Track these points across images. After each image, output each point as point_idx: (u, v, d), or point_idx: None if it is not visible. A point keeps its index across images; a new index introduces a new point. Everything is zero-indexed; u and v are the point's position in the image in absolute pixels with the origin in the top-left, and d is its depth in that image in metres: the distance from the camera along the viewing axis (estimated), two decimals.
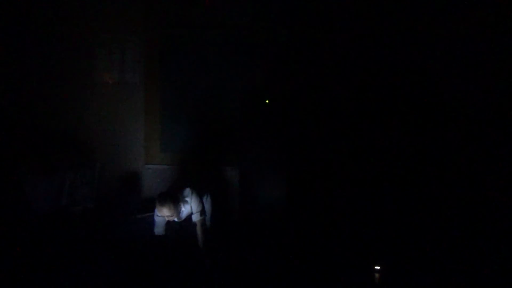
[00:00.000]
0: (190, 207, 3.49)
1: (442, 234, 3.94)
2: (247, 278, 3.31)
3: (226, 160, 4.52)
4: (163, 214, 3.29)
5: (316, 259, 3.62)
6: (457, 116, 4.23)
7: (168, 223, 3.52)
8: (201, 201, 3.57)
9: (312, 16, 4.42)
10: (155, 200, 3.52)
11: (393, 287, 3.25)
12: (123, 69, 4.49)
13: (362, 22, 4.39)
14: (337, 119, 4.44)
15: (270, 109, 4.23)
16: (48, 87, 4.43)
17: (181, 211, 3.44)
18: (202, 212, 3.57)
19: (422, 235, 3.93)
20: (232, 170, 4.48)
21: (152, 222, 3.55)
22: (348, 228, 4.16)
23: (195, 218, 3.51)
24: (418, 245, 3.79)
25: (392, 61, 4.36)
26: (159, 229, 3.49)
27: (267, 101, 4.22)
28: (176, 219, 3.46)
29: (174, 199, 3.32)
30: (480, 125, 4.09)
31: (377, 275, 3.37)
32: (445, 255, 3.61)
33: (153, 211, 3.51)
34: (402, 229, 4.03)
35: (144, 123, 4.54)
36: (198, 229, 3.52)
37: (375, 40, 4.37)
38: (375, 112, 4.38)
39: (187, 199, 3.47)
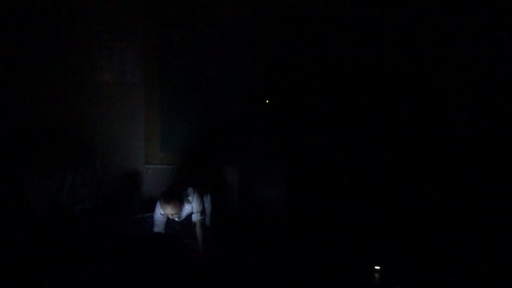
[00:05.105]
0: (191, 206, 3.49)
1: (442, 234, 3.94)
2: (247, 278, 3.30)
3: (226, 160, 4.52)
4: (167, 212, 3.29)
5: (316, 259, 3.62)
6: (457, 116, 4.23)
7: (168, 223, 3.52)
8: (201, 201, 3.57)
9: (312, 16, 4.42)
10: (155, 200, 3.52)
11: (393, 287, 3.25)
12: (123, 69, 4.49)
13: (362, 21, 4.39)
14: (337, 119, 4.44)
15: (270, 109, 4.22)
16: (48, 87, 4.43)
17: (183, 210, 3.44)
18: (202, 212, 3.57)
19: (422, 235, 3.93)
20: (232, 170, 4.48)
21: (152, 222, 3.55)
22: (348, 228, 4.16)
23: (195, 218, 3.51)
24: (418, 245, 3.78)
25: (393, 61, 4.36)
26: (159, 229, 3.49)
27: (267, 101, 4.22)
28: (176, 218, 3.46)
29: (178, 197, 3.32)
30: (480, 125, 4.09)
31: (377, 275, 3.37)
32: (445, 255, 3.61)
33: (153, 211, 3.51)
34: (402, 229, 4.03)
35: (144, 123, 4.54)
36: (198, 229, 3.51)
37: (375, 40, 4.37)
38: (375, 111, 4.38)
39: (190, 198, 3.48)
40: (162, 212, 3.34)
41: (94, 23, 4.42)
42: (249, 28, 4.45)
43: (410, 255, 3.63)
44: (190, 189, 3.52)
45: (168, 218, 3.42)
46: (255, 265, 3.51)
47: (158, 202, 3.42)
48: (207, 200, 3.78)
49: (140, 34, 4.46)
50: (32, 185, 3.87)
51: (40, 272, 3.24)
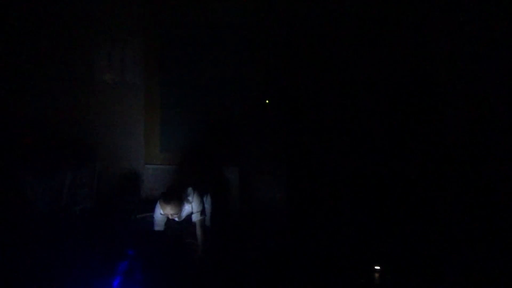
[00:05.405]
0: (191, 206, 3.50)
1: (442, 234, 3.94)
2: (246, 278, 3.31)
3: (226, 160, 4.52)
4: (166, 212, 3.30)
5: (316, 259, 3.62)
6: (457, 116, 4.23)
7: (168, 223, 3.52)
8: (201, 201, 3.58)
9: (312, 16, 4.42)
10: (155, 200, 3.53)
11: (393, 287, 3.25)
12: (123, 69, 4.49)
13: (361, 22, 4.39)
14: (337, 119, 4.44)
15: (270, 109, 4.23)
16: (48, 87, 4.43)
17: (183, 210, 3.45)
18: (202, 212, 3.58)
19: (422, 235, 3.93)
20: (232, 170, 4.48)
21: (152, 222, 3.55)
22: (348, 228, 4.16)
23: (195, 218, 3.52)
24: (418, 245, 3.78)
25: (392, 61, 4.36)
26: (159, 229, 3.50)
27: (267, 101, 4.23)
28: (176, 218, 3.46)
29: (178, 197, 3.33)
30: (479, 125, 4.09)
31: (377, 275, 3.37)
32: (445, 255, 3.61)
33: (153, 211, 3.51)
34: (402, 229, 4.03)
35: (144, 123, 4.54)
36: (198, 229, 3.52)
37: (375, 40, 4.37)
38: (376, 111, 4.39)
39: (189, 198, 3.49)
40: (162, 212, 3.35)
41: (94, 23, 4.42)
42: (249, 28, 4.45)
43: (410, 255, 3.63)
44: (190, 189, 3.52)
45: (168, 218, 3.42)
46: (255, 265, 3.51)
47: (158, 202, 3.42)
48: (207, 200, 3.79)
49: (140, 34, 4.46)
50: (32, 185, 3.86)
51: (40, 272, 3.24)
